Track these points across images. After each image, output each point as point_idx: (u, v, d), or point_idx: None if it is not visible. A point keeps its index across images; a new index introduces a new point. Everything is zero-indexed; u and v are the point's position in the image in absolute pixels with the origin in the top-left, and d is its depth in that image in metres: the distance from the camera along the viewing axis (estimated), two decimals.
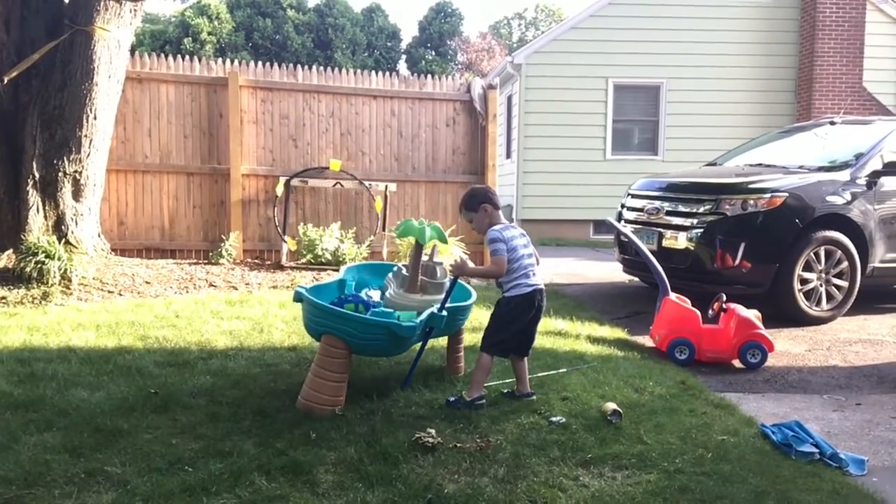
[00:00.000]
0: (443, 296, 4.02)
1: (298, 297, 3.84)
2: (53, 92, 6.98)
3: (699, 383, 4.55)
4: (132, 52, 8.21)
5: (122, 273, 7.10)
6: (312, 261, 8.33)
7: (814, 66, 14.08)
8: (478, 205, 3.90)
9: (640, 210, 7.28)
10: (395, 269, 4.49)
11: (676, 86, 14.52)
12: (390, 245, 8.66)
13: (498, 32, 45.58)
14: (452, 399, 3.83)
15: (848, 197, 6.54)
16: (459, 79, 9.79)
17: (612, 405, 3.73)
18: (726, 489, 2.94)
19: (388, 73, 9.46)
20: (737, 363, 5.08)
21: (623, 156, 14.55)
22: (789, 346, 5.64)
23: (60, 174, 7.05)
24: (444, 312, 3.91)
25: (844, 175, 6.65)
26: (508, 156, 15.81)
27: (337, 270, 8.04)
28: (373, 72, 9.43)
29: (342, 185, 8.81)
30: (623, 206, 7.72)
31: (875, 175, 6.65)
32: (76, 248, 7.10)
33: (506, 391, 4.02)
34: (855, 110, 13.52)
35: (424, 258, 4.27)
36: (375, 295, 4.44)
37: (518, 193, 14.66)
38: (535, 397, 3.97)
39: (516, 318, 3.87)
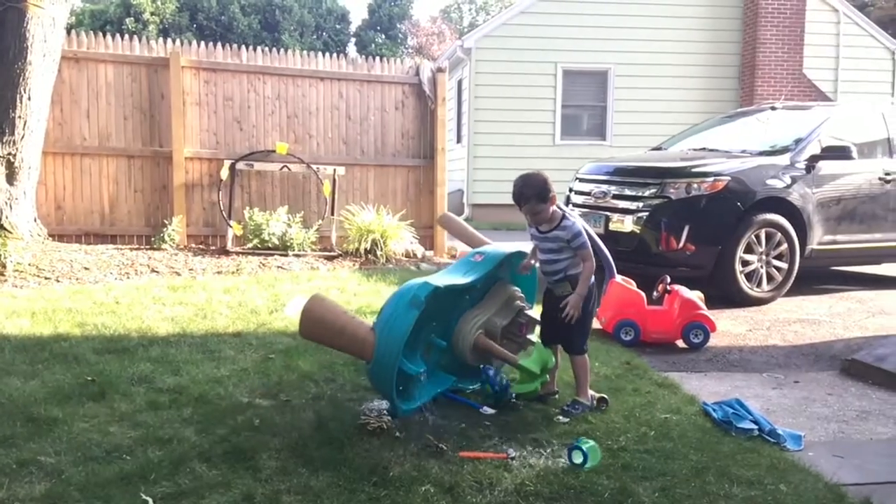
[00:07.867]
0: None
1: (418, 305, 3.23)
2: None
3: (643, 363, 4.62)
4: (69, 30, 7.93)
5: (59, 259, 6.87)
6: (259, 245, 8.19)
7: (756, 53, 14.37)
8: (548, 194, 3.68)
9: (588, 194, 7.34)
10: (516, 305, 3.85)
11: (623, 71, 14.65)
12: (339, 230, 8.57)
13: (449, 16, 45.29)
14: (571, 407, 3.57)
15: (788, 181, 6.69)
16: (409, 62, 9.69)
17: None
18: (668, 466, 2.99)
19: (335, 55, 9.32)
20: (680, 343, 5.17)
21: (572, 141, 14.63)
22: (731, 327, 5.76)
23: None
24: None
25: (784, 159, 6.79)
26: (459, 140, 15.77)
27: (286, 255, 7.97)
28: (320, 53, 9.28)
29: (289, 169, 8.67)
30: (571, 190, 7.77)
31: (813, 159, 6.80)
32: (10, 233, 6.86)
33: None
34: (795, 96, 13.85)
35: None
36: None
37: (468, 178, 14.64)
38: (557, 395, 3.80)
39: (595, 305, 3.79)
